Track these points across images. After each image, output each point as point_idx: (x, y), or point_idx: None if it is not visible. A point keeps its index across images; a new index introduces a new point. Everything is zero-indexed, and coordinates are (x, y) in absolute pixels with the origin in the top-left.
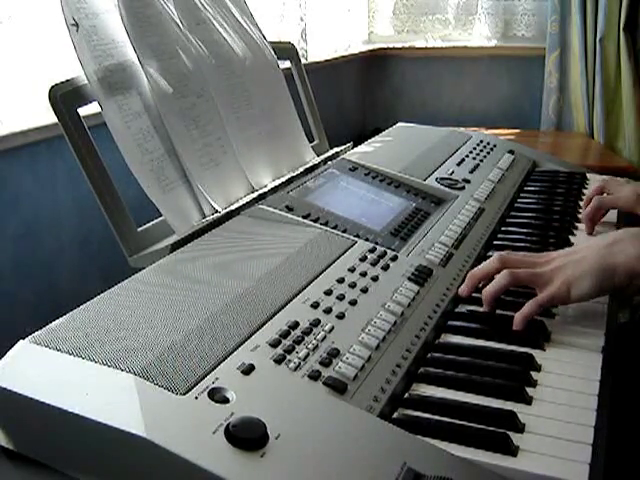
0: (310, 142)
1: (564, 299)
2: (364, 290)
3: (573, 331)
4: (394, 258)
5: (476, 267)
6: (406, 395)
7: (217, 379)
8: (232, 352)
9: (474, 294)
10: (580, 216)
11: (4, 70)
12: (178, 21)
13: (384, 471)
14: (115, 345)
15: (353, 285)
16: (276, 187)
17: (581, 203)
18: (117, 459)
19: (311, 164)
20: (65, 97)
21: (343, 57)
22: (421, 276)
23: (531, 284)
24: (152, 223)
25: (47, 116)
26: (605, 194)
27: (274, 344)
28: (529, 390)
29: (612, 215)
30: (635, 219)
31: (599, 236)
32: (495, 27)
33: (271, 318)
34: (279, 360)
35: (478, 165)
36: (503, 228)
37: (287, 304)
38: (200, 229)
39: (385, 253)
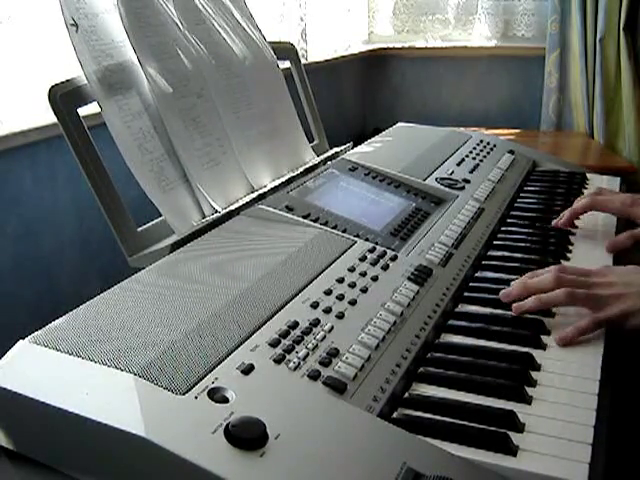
0: (310, 142)
1: (620, 326)
2: (364, 290)
3: None
4: (394, 258)
5: (532, 277)
6: (406, 395)
7: (217, 379)
8: (232, 352)
9: (477, 294)
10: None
11: (4, 70)
12: (178, 21)
13: (384, 471)
14: (115, 345)
15: (353, 285)
16: (276, 187)
17: None
18: (117, 459)
19: (311, 164)
20: (65, 97)
21: (343, 57)
22: (421, 276)
23: (586, 306)
24: (152, 223)
25: (47, 116)
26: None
27: (274, 344)
28: (529, 390)
29: (612, 221)
30: (632, 227)
31: None
32: (495, 27)
33: (271, 318)
34: (279, 360)
35: (478, 165)
36: (503, 228)
37: (287, 304)
38: (200, 229)
39: (385, 253)
